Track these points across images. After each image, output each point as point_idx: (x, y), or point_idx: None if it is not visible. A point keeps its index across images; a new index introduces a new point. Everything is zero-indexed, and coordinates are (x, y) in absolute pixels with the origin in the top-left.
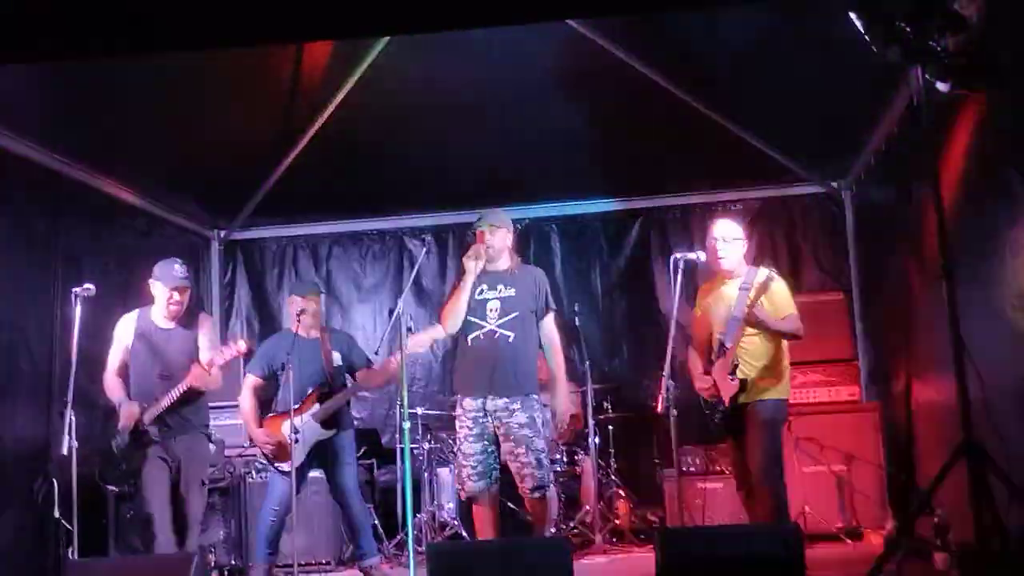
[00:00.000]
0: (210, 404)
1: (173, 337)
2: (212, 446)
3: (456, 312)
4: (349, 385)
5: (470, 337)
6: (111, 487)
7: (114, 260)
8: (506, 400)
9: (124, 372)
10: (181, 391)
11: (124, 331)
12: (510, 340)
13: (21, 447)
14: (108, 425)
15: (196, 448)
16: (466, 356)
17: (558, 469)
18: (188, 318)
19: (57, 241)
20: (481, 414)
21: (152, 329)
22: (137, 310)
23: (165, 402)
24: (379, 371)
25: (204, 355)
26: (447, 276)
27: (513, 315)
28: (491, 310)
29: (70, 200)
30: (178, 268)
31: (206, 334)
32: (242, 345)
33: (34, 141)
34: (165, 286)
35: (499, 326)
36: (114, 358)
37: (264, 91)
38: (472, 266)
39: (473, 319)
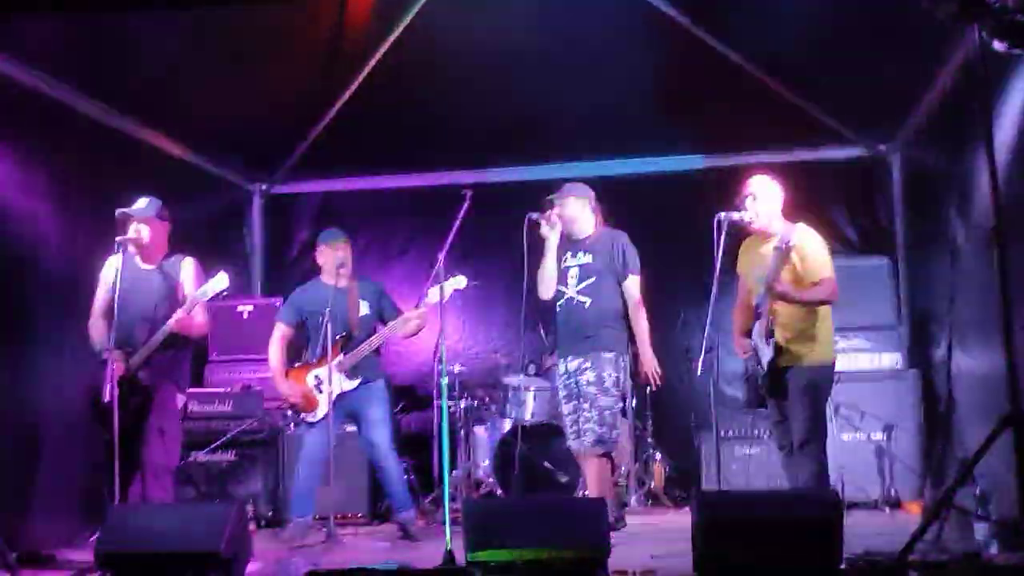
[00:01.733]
0: (248, 356)
1: (153, 278)
2: (181, 397)
3: (544, 280)
4: (375, 335)
5: (558, 304)
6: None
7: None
8: (580, 360)
9: (109, 315)
10: (164, 335)
11: (107, 273)
12: (586, 306)
13: (72, 396)
14: (97, 373)
15: (160, 397)
16: (556, 322)
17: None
18: (167, 260)
19: (100, 190)
20: (567, 376)
21: (133, 271)
22: (121, 254)
23: (147, 350)
24: (404, 319)
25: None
26: (487, 233)
27: (589, 280)
28: (571, 277)
29: (115, 150)
30: (139, 201)
31: (189, 277)
32: (223, 280)
33: (81, 91)
34: (119, 216)
35: (578, 292)
36: (98, 300)
37: (307, 44)
38: (550, 235)
39: (560, 287)
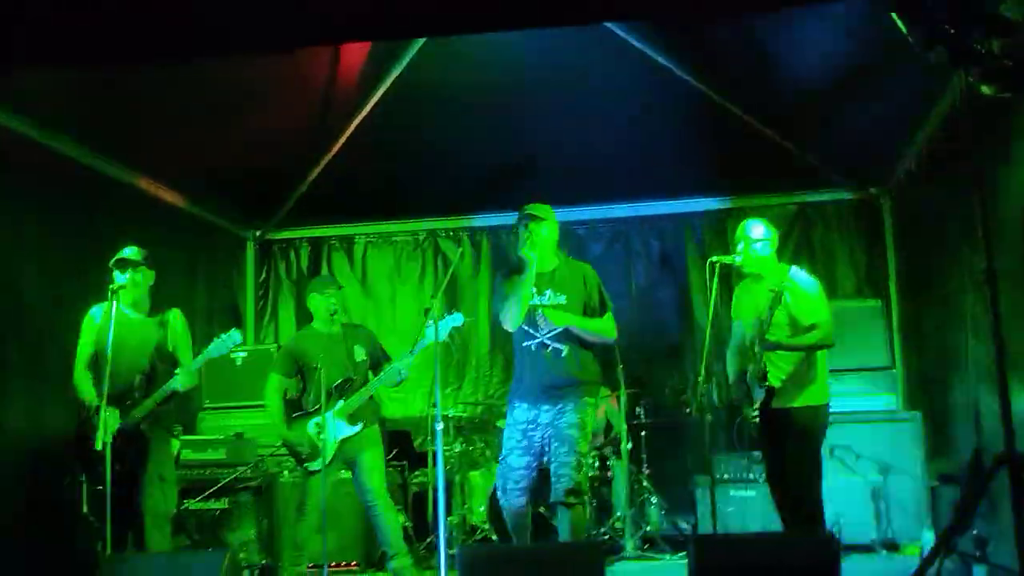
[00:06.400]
0: (241, 404)
1: (144, 329)
2: (175, 442)
3: (519, 308)
4: (371, 379)
5: (522, 345)
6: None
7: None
8: (559, 405)
9: (94, 365)
10: (169, 390)
11: (89, 323)
12: (562, 354)
13: (53, 444)
14: (85, 425)
15: (157, 445)
16: (521, 364)
17: (588, 474)
18: (155, 310)
19: (94, 239)
20: (531, 426)
21: (122, 320)
22: (105, 302)
23: (151, 403)
24: (395, 369)
25: (185, 355)
26: (480, 276)
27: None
28: (543, 321)
29: (108, 198)
30: (128, 249)
31: (181, 333)
32: (236, 336)
33: (73, 138)
34: (115, 268)
35: (550, 339)
36: (83, 350)
37: (301, 92)
38: (533, 257)
39: (525, 327)
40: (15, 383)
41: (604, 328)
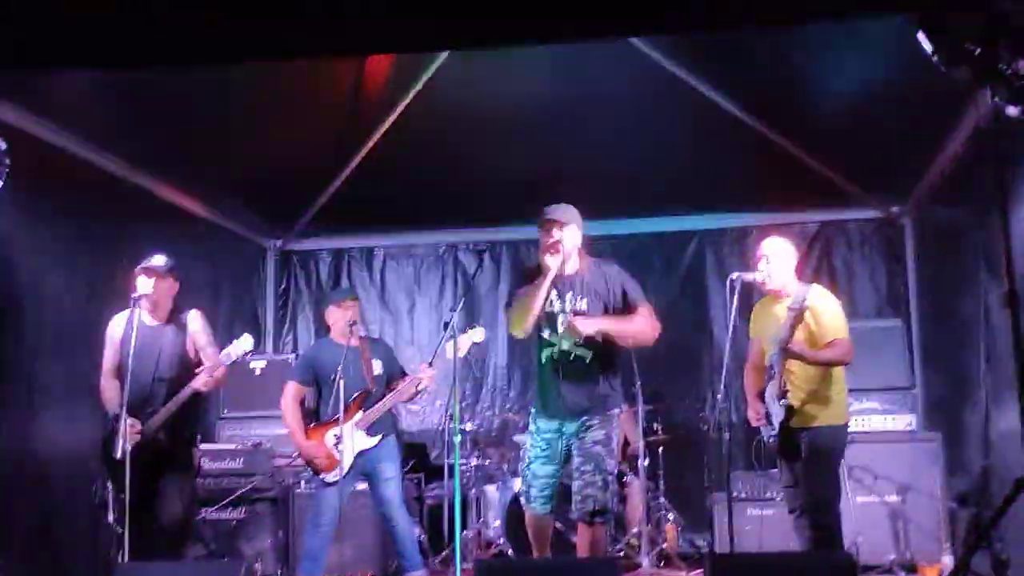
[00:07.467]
0: (259, 414)
1: (163, 335)
2: (195, 452)
3: (528, 316)
4: (388, 394)
5: (543, 354)
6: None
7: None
8: (584, 418)
9: (119, 374)
10: (185, 397)
11: (114, 332)
12: (586, 362)
13: (81, 451)
14: (108, 435)
15: (177, 454)
16: (542, 374)
17: (615, 491)
18: (175, 315)
19: (121, 249)
20: (556, 436)
21: (141, 328)
22: (127, 310)
23: (166, 412)
24: (412, 381)
25: (207, 355)
26: (500, 290)
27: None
28: (563, 327)
29: (132, 205)
30: (155, 257)
31: (201, 332)
32: (248, 342)
33: (98, 146)
34: (140, 274)
35: (572, 346)
36: (108, 360)
37: (324, 104)
38: (554, 264)
39: (544, 335)
40: (49, 392)
41: (639, 326)
